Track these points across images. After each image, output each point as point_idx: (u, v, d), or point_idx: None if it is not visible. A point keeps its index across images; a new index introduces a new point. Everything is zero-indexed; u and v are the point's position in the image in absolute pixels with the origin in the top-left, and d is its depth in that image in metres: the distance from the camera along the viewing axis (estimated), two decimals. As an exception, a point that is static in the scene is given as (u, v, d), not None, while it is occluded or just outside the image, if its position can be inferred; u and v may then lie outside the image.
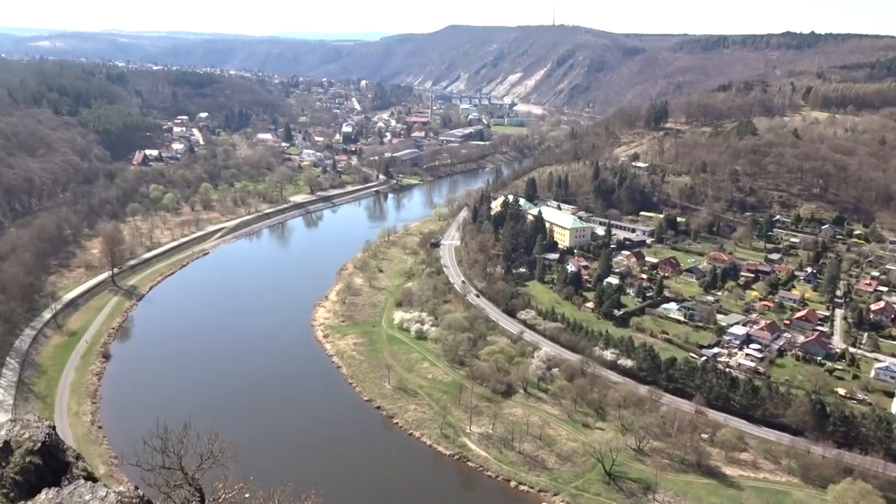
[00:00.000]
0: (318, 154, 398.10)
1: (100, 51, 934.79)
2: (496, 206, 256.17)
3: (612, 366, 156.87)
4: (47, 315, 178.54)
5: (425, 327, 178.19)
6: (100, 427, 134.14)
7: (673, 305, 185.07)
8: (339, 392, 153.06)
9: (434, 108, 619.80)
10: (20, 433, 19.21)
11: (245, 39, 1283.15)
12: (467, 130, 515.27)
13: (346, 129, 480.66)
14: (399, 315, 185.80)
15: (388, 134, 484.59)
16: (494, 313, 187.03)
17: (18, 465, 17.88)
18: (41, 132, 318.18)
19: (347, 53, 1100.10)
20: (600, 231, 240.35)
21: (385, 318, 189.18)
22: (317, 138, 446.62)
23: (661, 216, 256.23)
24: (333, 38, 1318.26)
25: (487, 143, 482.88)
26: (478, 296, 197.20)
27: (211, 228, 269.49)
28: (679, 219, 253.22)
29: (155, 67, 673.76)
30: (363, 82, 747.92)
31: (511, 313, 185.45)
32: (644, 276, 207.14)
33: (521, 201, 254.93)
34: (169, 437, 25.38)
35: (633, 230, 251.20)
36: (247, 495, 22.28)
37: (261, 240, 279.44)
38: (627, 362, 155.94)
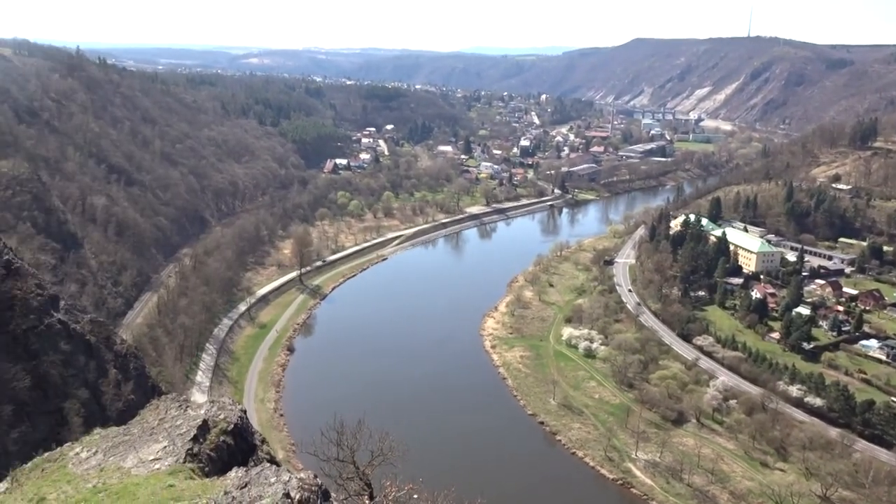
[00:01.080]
0: (496, 167, 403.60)
1: (301, 67, 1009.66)
2: (676, 225, 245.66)
3: (798, 403, 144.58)
4: (242, 307, 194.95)
5: (594, 345, 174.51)
6: (281, 415, 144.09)
7: (874, 342, 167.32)
8: (503, 403, 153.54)
9: (615, 122, 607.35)
10: (216, 414, 21.13)
11: (431, 55, 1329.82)
12: (648, 146, 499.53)
13: (524, 142, 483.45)
14: (568, 331, 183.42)
15: (565, 148, 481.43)
16: (668, 337, 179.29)
17: (213, 442, 19.65)
18: (247, 141, 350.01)
19: (529, 68, 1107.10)
20: (791, 257, 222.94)
21: (553, 334, 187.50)
22: (495, 151, 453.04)
23: (864, 244, 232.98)
24: (516, 53, 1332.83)
25: (669, 159, 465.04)
26: (639, 305, 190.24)
27: (390, 235, 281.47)
28: (885, 247, 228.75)
29: (348, 82, 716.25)
30: (543, 96, 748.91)
31: (686, 338, 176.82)
32: (840, 308, 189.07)
33: (704, 221, 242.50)
34: (344, 432, 26.62)
35: (830, 257, 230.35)
36: (415, 496, 22.81)
37: (436, 248, 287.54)
38: (816, 401, 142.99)
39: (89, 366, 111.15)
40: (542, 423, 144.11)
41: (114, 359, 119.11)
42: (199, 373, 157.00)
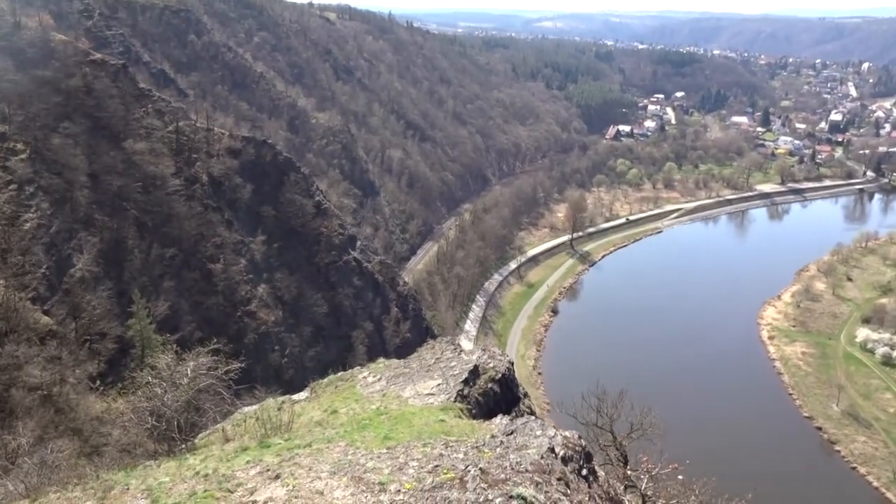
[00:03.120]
0: (797, 142, 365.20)
1: (593, 31, 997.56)
2: None
3: None
4: (513, 265, 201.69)
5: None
6: (539, 373, 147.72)
7: None
8: (775, 401, 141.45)
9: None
10: (487, 362, 22.24)
11: (734, 18, 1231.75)
12: None
13: (835, 116, 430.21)
14: (864, 332, 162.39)
15: (886, 125, 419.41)
16: None
17: (482, 388, 20.75)
18: (532, 104, 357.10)
19: (851, 32, 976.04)
20: None
21: (845, 333, 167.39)
22: (797, 125, 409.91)
23: None
24: (837, 15, 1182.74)
25: None
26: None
27: (668, 208, 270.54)
28: None
29: (640, 46, 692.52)
30: (865, 65, 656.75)
31: None
32: None
33: None
34: (605, 399, 26.44)
35: None
36: (680, 477, 22.05)
37: (717, 226, 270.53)
38: None
39: (375, 302, 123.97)
40: (819, 428, 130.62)
41: (396, 298, 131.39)
42: (468, 322, 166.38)
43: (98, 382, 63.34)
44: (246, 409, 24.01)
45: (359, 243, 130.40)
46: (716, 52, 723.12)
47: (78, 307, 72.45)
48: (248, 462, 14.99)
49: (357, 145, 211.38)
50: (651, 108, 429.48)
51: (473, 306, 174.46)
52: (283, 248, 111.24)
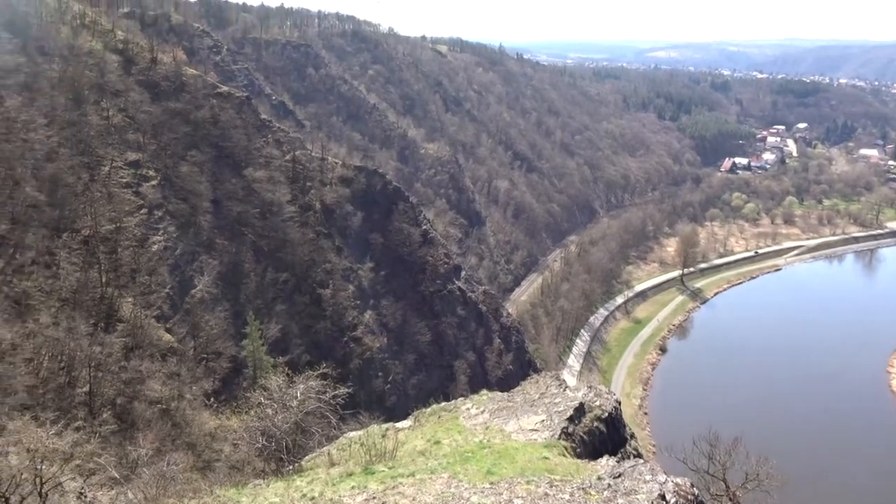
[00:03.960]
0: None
1: (708, 60, 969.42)
2: None
3: None
4: (619, 300, 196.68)
5: None
6: (645, 413, 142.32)
7: None
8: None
9: None
10: (593, 399, 21.64)
11: (864, 45, 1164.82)
12: None
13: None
14: None
15: None
16: None
17: (587, 426, 20.17)
18: (643, 135, 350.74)
19: None
20: None
21: None
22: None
23: None
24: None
25: None
26: None
27: (788, 244, 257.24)
28: None
29: (759, 76, 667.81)
30: None
31: None
32: None
33: None
34: (717, 446, 25.12)
35: None
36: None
37: (842, 265, 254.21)
38: None
39: (478, 332, 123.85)
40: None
41: (499, 330, 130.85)
42: (572, 356, 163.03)
43: (212, 399, 66.40)
44: (351, 434, 24.39)
45: (463, 273, 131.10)
46: (842, 80, 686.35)
47: (197, 326, 76.45)
48: (353, 488, 15.15)
49: (464, 175, 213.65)
50: (770, 139, 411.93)
51: (577, 341, 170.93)
52: (390, 276, 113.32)
